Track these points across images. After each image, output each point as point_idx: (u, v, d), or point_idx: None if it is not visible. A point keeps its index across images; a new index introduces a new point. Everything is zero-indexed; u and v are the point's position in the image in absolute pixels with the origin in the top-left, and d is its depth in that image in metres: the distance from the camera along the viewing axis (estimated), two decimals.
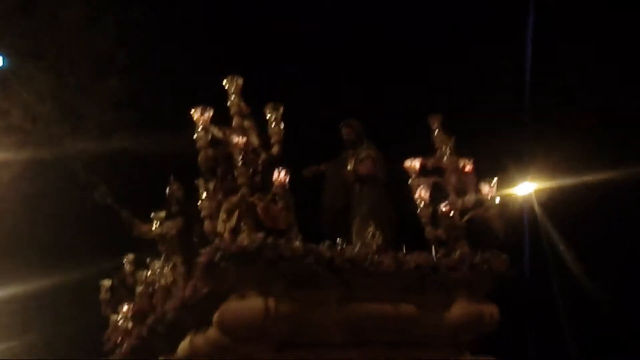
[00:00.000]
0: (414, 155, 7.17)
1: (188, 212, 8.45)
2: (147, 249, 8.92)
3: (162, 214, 8.37)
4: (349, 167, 7.49)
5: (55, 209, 12.42)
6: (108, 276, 9.73)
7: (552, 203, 6.47)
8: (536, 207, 6.40)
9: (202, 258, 5.44)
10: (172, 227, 8.45)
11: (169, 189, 8.95)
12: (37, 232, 12.49)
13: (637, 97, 10.97)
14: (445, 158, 6.93)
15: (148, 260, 8.22)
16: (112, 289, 9.67)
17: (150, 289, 8.21)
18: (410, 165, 7.12)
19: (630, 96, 10.96)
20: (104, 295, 9.60)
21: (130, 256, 9.51)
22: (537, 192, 6.57)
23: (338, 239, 6.08)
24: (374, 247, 6.10)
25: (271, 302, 5.40)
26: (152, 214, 8.24)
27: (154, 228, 8.44)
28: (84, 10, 11.56)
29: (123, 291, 9.62)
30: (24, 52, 11.11)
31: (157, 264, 7.92)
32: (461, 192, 6.90)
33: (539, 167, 6.55)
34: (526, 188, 6.56)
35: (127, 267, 9.42)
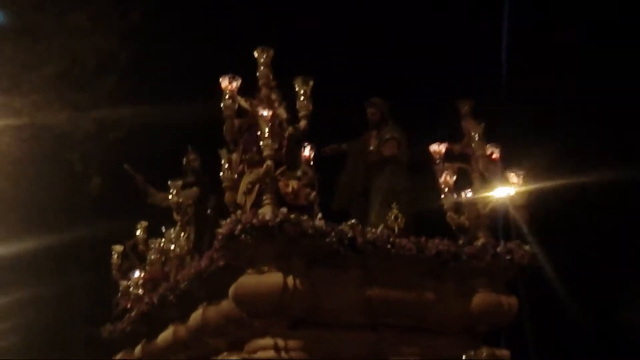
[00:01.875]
0: (439, 139, 7.02)
1: (204, 183, 8.43)
2: (159, 217, 8.89)
3: (179, 182, 8.29)
4: (371, 148, 7.36)
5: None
6: (120, 242, 9.73)
7: (528, 207, 6.47)
8: (512, 212, 6.26)
9: (222, 230, 5.33)
10: (188, 196, 8.39)
11: (186, 159, 8.90)
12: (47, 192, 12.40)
13: (611, 100, 10.79)
14: (473, 144, 6.75)
15: (163, 228, 8.14)
16: (123, 254, 9.66)
17: (164, 258, 8.17)
18: (436, 150, 6.96)
19: (605, 98, 10.77)
20: (115, 260, 9.60)
21: (143, 223, 9.50)
22: (512, 197, 6.45)
23: (355, 220, 5.97)
24: (396, 230, 5.96)
25: (289, 279, 5.30)
26: (169, 182, 8.15)
27: (170, 197, 8.37)
28: None
29: (134, 257, 9.64)
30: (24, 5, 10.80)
31: (172, 233, 7.83)
32: (487, 180, 6.76)
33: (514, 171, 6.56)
34: (502, 192, 6.42)
35: (140, 233, 9.43)
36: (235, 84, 5.67)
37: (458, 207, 6.61)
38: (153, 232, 9.07)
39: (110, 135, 12.07)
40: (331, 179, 7.31)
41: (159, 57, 11.98)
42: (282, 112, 5.87)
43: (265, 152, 5.40)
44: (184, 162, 8.91)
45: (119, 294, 9.32)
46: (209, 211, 8.16)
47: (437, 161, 6.90)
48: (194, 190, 8.65)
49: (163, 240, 8.19)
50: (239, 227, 5.24)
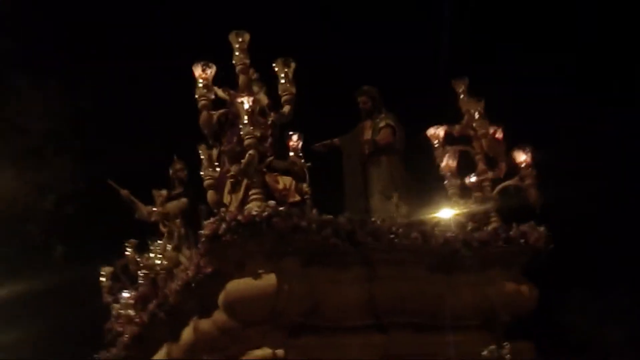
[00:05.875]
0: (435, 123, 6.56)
1: (192, 193, 7.96)
2: (149, 234, 8.45)
3: (164, 192, 7.81)
4: (366, 137, 6.88)
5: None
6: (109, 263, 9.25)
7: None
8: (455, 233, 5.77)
9: (205, 230, 4.81)
10: (175, 207, 7.92)
11: (172, 169, 8.46)
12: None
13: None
14: (474, 123, 6.26)
15: (149, 242, 7.63)
16: (113, 276, 9.17)
17: (153, 273, 7.66)
18: (434, 134, 6.52)
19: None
20: (105, 282, 9.09)
21: (132, 241, 9.01)
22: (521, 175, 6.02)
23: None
24: (398, 219, 5.43)
25: (284, 280, 4.77)
26: (153, 192, 7.66)
27: (155, 208, 7.90)
28: None
29: (125, 278, 9.14)
30: None
31: (159, 246, 7.31)
32: (491, 160, 6.27)
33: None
34: (446, 213, 6.01)
35: (130, 252, 8.93)
36: (210, 72, 5.18)
37: (463, 192, 6.12)
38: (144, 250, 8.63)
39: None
40: (320, 174, 6.83)
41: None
42: (263, 98, 5.37)
43: (247, 141, 4.88)
44: (170, 173, 8.47)
45: (112, 318, 8.84)
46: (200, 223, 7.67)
47: (437, 145, 6.45)
48: (182, 201, 8.19)
49: (151, 254, 7.66)
50: (223, 226, 4.71)
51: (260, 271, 4.78)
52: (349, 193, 6.79)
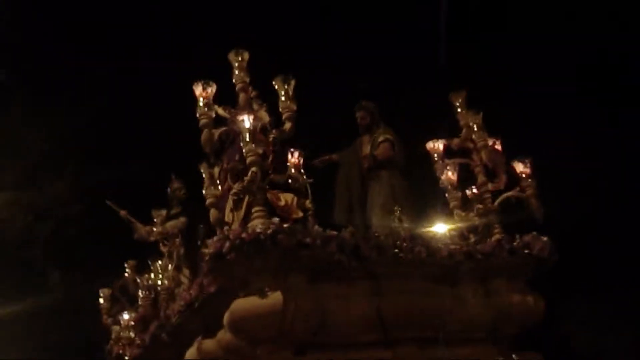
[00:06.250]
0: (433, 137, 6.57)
1: (191, 212, 7.92)
2: (148, 254, 8.39)
3: (163, 212, 7.77)
4: (365, 152, 6.89)
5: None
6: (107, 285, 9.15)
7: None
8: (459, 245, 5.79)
9: (209, 249, 4.76)
10: (174, 226, 7.88)
11: (170, 188, 8.43)
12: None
13: None
14: (473, 135, 6.28)
15: (149, 261, 7.57)
16: (112, 297, 9.07)
17: (153, 294, 7.58)
18: (434, 147, 6.51)
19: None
20: (104, 304, 8.99)
21: (131, 262, 8.92)
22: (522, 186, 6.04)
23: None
24: (402, 233, 5.41)
25: (290, 298, 4.72)
26: (153, 212, 7.61)
27: (155, 228, 7.84)
28: None
29: (124, 300, 9.04)
30: None
31: (159, 266, 7.25)
32: (491, 172, 6.28)
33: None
34: (441, 228, 6.04)
35: (129, 273, 8.85)
36: (210, 90, 5.17)
37: (465, 204, 6.12)
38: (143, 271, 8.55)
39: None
40: (321, 190, 6.82)
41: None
42: (264, 115, 5.36)
43: (249, 159, 4.86)
44: (168, 192, 8.43)
45: (111, 341, 8.72)
46: (199, 243, 7.63)
47: (436, 159, 6.45)
48: (181, 220, 8.15)
49: (151, 274, 7.60)
50: (227, 244, 4.67)
51: (266, 289, 4.73)
52: (342, 207, 6.77)
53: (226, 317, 4.89)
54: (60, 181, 12.14)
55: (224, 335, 5.22)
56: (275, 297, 4.70)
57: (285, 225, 4.73)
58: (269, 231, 4.63)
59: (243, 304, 4.79)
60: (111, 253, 9.79)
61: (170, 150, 10.37)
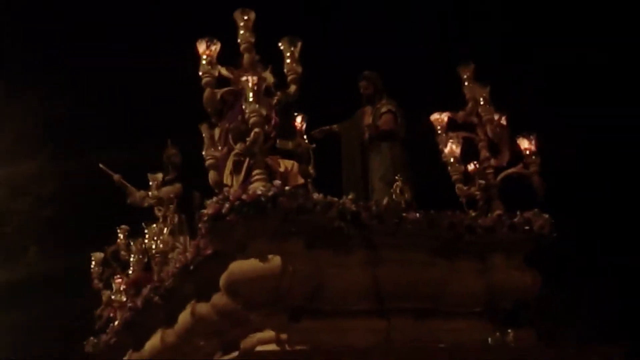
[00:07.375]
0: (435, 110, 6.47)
1: (186, 179, 7.84)
2: (142, 220, 8.29)
3: (159, 175, 7.67)
4: (366, 122, 6.79)
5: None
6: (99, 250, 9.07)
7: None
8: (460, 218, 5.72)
9: (208, 210, 4.67)
10: (169, 192, 7.80)
11: (165, 154, 8.34)
12: None
13: None
14: (479, 109, 6.19)
15: (144, 225, 7.47)
16: (104, 262, 8.99)
17: (146, 258, 7.51)
18: (438, 119, 6.40)
19: None
20: (95, 268, 8.91)
21: (124, 227, 8.83)
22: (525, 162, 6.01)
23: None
24: (403, 203, 5.34)
25: (288, 261, 4.65)
26: (148, 175, 7.51)
27: (150, 193, 7.76)
28: None
29: (116, 265, 8.97)
30: None
31: (154, 229, 7.16)
32: (495, 147, 6.21)
33: None
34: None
35: (121, 238, 8.76)
36: (214, 48, 5.04)
37: (467, 178, 6.05)
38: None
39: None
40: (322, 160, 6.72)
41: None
42: (269, 76, 5.24)
43: (252, 119, 4.75)
44: (164, 158, 8.34)
45: (102, 305, 8.67)
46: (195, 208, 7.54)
47: (440, 131, 6.36)
48: (177, 186, 8.07)
49: (145, 238, 7.51)
50: (227, 205, 4.58)
51: (264, 252, 4.66)
52: (347, 179, 6.71)
53: (223, 278, 4.82)
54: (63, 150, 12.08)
55: (219, 299, 5.15)
56: (274, 260, 4.63)
57: (286, 188, 4.64)
58: (270, 193, 4.54)
59: (241, 266, 4.72)
60: (105, 218, 9.71)
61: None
